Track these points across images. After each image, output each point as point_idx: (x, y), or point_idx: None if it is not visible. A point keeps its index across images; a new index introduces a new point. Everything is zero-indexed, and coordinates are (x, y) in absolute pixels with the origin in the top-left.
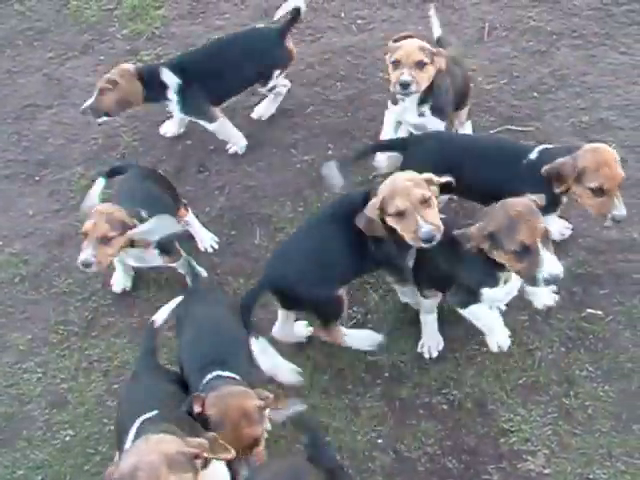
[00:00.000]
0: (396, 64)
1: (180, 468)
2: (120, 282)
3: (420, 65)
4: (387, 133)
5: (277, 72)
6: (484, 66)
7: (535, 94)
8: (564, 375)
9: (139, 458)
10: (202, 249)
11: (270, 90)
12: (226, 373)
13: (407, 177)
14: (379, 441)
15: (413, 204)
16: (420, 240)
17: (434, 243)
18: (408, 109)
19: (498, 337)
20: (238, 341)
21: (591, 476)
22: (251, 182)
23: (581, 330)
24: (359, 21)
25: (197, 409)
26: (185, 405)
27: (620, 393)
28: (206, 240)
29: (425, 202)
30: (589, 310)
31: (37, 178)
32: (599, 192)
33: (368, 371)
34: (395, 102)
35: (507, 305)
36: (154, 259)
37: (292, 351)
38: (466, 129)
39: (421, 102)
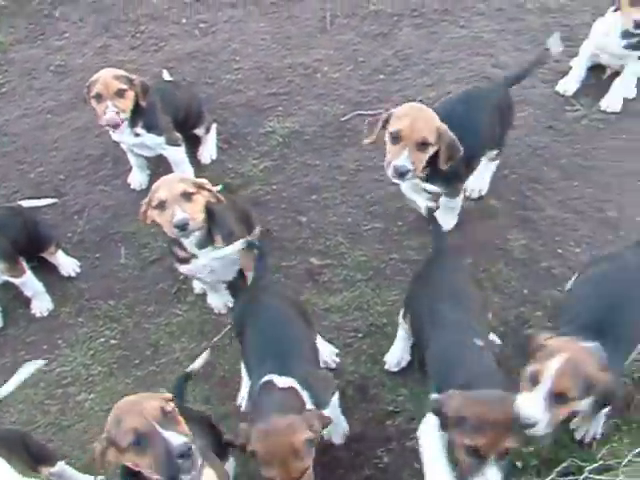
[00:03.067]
0: (99, 97)
1: None
2: None
3: (120, 93)
4: None
5: None
6: (329, 55)
7: (381, 76)
8: None
9: None
10: (65, 275)
11: None
12: (282, 380)
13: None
14: None
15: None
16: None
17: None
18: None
19: None
20: (300, 338)
21: None
22: (110, 202)
23: None
24: (201, 25)
25: (241, 441)
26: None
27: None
28: (68, 266)
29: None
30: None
31: None
32: (396, 139)
33: None
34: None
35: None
36: None
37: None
38: None
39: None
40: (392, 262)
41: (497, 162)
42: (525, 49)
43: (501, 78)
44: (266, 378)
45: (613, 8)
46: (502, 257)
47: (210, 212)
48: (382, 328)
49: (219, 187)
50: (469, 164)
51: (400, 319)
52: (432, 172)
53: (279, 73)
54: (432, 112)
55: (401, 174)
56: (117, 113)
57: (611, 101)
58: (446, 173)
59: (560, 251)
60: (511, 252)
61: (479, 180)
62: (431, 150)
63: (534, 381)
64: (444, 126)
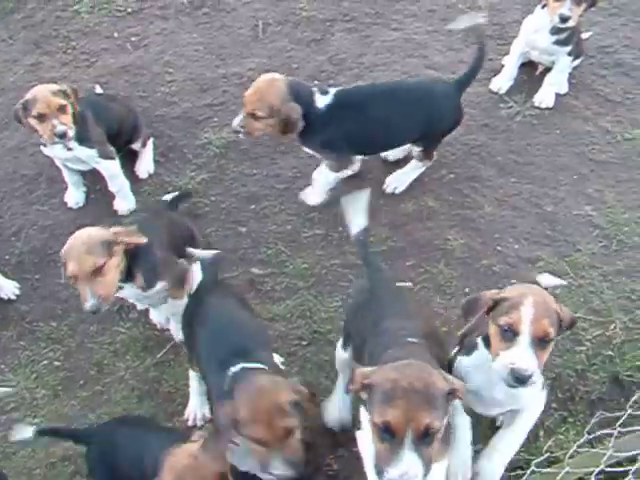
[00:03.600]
0: (41, 117)
1: None
2: None
3: (62, 109)
4: None
5: None
6: (263, 63)
7: (316, 82)
8: None
9: None
10: (5, 298)
11: None
12: (253, 366)
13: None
14: None
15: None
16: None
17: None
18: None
19: None
20: (258, 331)
21: None
22: (47, 221)
23: None
24: (133, 38)
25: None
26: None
27: None
28: (7, 288)
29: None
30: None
31: None
32: None
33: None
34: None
35: None
36: None
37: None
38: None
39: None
40: (333, 268)
41: (423, 165)
42: (458, 48)
43: (451, 81)
44: (234, 369)
45: (541, 5)
46: (442, 257)
47: (131, 251)
48: (325, 335)
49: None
50: (357, 146)
51: (338, 349)
52: (305, 136)
53: (213, 84)
54: (279, 86)
55: None
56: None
57: (544, 97)
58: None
59: (500, 248)
60: (451, 252)
61: (400, 177)
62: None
63: (513, 333)
64: (280, 102)
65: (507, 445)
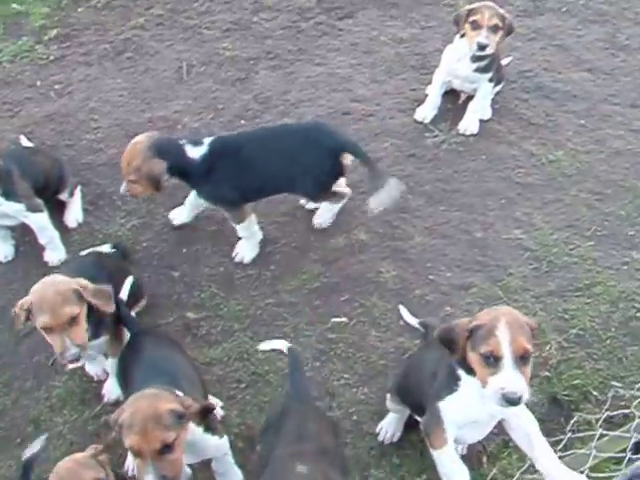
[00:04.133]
0: None
1: None
2: None
3: None
4: None
5: None
6: (189, 105)
7: (243, 122)
8: (324, 388)
9: None
10: None
11: None
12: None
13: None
14: None
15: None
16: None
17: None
18: None
19: None
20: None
21: (370, 478)
22: None
23: (330, 341)
24: (56, 86)
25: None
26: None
27: (378, 391)
28: None
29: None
30: (334, 319)
31: None
32: None
33: None
34: None
35: None
36: None
37: None
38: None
39: None
40: (268, 308)
41: (335, 203)
42: (382, 80)
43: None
44: None
45: (460, 34)
46: (376, 290)
47: None
48: (264, 376)
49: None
50: (244, 194)
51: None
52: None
53: (139, 128)
54: (140, 147)
55: None
56: None
57: (468, 124)
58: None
59: (432, 277)
60: (384, 284)
61: (322, 214)
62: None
63: (495, 358)
64: (141, 161)
65: (548, 450)
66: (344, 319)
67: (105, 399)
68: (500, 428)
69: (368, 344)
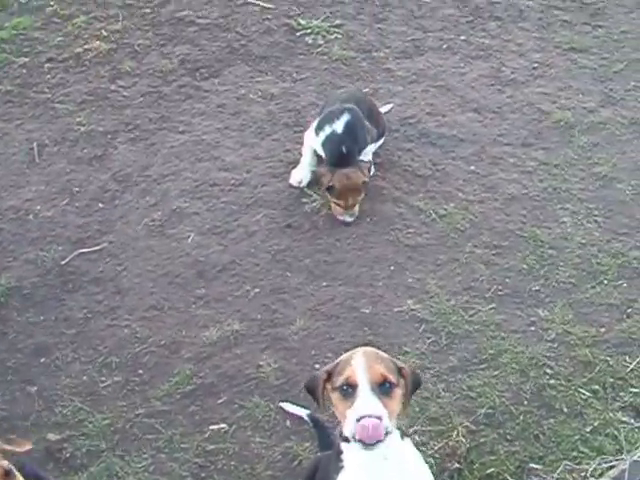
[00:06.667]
0: None
1: None
2: None
3: None
4: None
5: None
6: (41, 191)
7: (101, 205)
8: None
9: None
10: None
11: None
12: None
13: None
14: None
15: None
16: None
17: None
18: None
19: None
20: None
21: None
22: None
23: (209, 453)
24: None
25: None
26: None
27: None
28: None
29: None
30: (212, 427)
31: None
32: None
33: None
34: None
35: None
36: None
37: None
38: None
39: None
40: (138, 419)
41: None
42: (252, 143)
43: None
44: None
45: None
46: (256, 388)
47: None
48: None
49: None
50: None
51: None
52: None
53: None
54: None
55: None
56: None
57: None
58: None
59: (318, 366)
60: (265, 380)
61: None
62: None
63: (351, 386)
64: None
65: None
66: (223, 426)
67: None
68: None
69: (252, 453)
